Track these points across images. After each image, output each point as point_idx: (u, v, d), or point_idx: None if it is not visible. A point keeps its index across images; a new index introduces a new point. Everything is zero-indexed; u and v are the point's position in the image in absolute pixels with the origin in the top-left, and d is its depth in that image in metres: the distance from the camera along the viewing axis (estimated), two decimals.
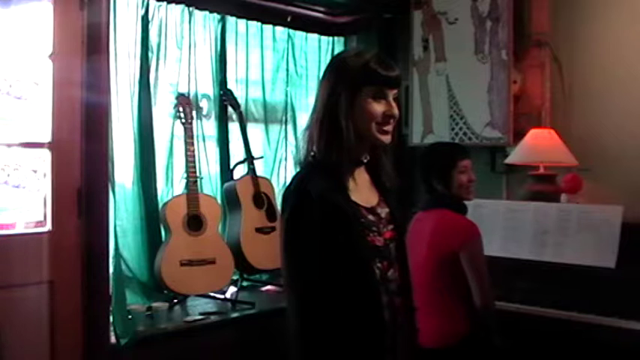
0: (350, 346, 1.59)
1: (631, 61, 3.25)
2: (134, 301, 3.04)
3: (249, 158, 3.50)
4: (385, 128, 1.66)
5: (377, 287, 1.64)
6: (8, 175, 2.55)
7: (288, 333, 1.61)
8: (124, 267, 2.98)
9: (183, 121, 3.21)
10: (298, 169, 1.73)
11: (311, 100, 4.06)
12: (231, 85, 3.63)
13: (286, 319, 1.63)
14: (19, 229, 2.55)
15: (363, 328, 1.61)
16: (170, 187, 3.34)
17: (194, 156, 3.21)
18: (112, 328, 2.63)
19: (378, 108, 1.65)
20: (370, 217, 1.68)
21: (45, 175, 2.51)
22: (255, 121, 3.80)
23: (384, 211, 1.73)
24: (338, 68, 1.70)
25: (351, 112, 1.64)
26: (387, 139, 1.68)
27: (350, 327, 1.59)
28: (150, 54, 3.24)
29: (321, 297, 1.58)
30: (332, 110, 1.65)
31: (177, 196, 3.20)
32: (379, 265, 1.67)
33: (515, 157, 3.35)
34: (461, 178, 2.56)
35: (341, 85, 1.65)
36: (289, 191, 1.67)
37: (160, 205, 3.20)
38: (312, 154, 1.68)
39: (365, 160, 1.72)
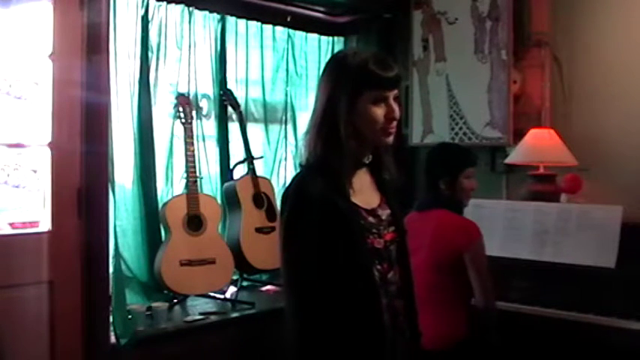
0: (349, 348, 1.58)
1: (631, 61, 3.25)
2: (134, 301, 3.04)
3: (249, 158, 3.50)
4: (389, 131, 1.65)
5: (376, 290, 1.63)
6: (8, 175, 2.55)
7: (287, 334, 1.61)
8: (124, 267, 2.98)
9: (183, 121, 3.21)
10: (299, 170, 1.72)
11: (311, 100, 4.05)
12: (231, 85, 3.63)
13: (285, 321, 1.62)
14: (20, 229, 2.55)
15: (361, 331, 1.60)
16: (170, 187, 3.34)
17: (194, 156, 3.21)
18: (112, 328, 2.63)
19: (379, 112, 1.63)
20: (370, 219, 1.68)
21: (45, 175, 2.50)
22: (255, 121, 3.80)
23: (384, 213, 1.72)
24: (336, 70, 1.68)
25: (351, 116, 1.62)
26: (389, 140, 1.67)
27: (348, 329, 1.59)
28: (150, 54, 3.24)
29: (320, 299, 1.57)
30: (330, 115, 1.63)
31: (177, 196, 3.20)
32: (379, 267, 1.66)
33: (515, 157, 3.35)
34: (466, 183, 2.58)
35: (340, 89, 1.63)
36: (288, 192, 1.66)
37: (160, 205, 3.20)
38: (311, 158, 1.66)
39: (367, 162, 1.71)
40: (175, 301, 3.16)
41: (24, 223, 2.59)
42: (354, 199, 1.65)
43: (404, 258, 1.74)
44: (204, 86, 3.53)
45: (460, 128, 3.74)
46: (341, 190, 1.63)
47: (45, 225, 2.49)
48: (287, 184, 1.71)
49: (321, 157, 1.63)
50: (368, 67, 1.62)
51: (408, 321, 1.72)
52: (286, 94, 3.96)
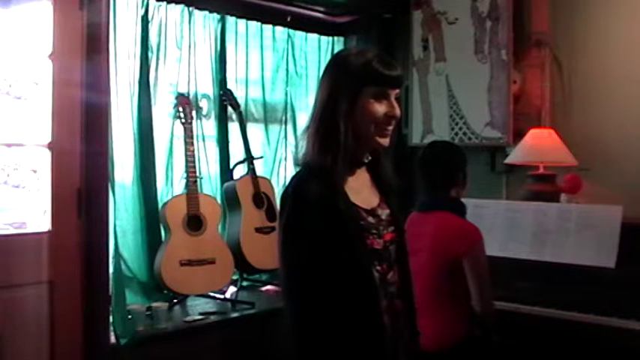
0: (349, 350, 1.57)
1: (631, 62, 3.25)
2: (134, 301, 3.04)
3: (249, 158, 3.50)
4: (386, 131, 1.64)
5: (376, 291, 1.62)
6: (8, 175, 2.55)
7: (287, 336, 1.59)
8: (123, 267, 2.98)
9: (183, 121, 3.21)
10: (297, 170, 1.71)
11: (311, 100, 4.05)
12: (231, 85, 3.63)
13: (284, 322, 1.61)
14: (20, 229, 2.55)
15: (361, 333, 1.58)
16: (170, 187, 3.34)
17: (194, 156, 3.21)
18: (112, 328, 2.63)
19: (380, 108, 1.62)
20: (370, 219, 1.66)
21: (45, 175, 2.50)
22: (255, 121, 3.80)
23: (384, 213, 1.71)
24: (339, 67, 1.67)
25: (351, 114, 1.60)
26: (385, 142, 1.65)
27: (348, 331, 1.57)
28: (150, 54, 3.24)
29: (319, 301, 1.56)
30: (330, 112, 1.62)
31: (177, 196, 3.20)
32: (378, 268, 1.65)
33: (515, 157, 3.35)
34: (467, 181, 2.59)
35: (341, 85, 1.62)
36: (287, 193, 1.64)
37: (160, 205, 3.20)
38: (308, 157, 1.65)
39: (366, 161, 1.70)
40: (175, 301, 3.16)
41: (24, 223, 2.58)
42: (353, 199, 1.64)
43: (403, 258, 1.73)
44: (204, 86, 3.54)
45: (460, 128, 3.74)
46: (339, 190, 1.61)
47: (45, 225, 2.49)
48: (287, 184, 1.70)
49: (316, 157, 1.62)
50: (372, 63, 1.62)
51: (406, 321, 1.71)
52: (286, 94, 3.96)
